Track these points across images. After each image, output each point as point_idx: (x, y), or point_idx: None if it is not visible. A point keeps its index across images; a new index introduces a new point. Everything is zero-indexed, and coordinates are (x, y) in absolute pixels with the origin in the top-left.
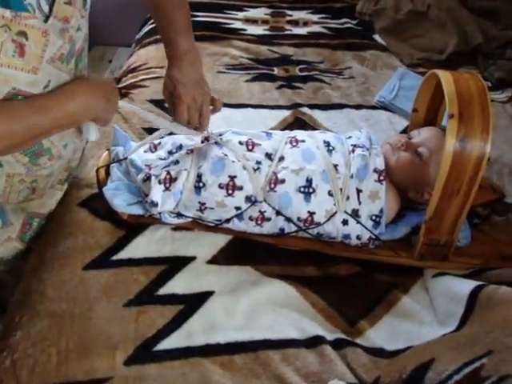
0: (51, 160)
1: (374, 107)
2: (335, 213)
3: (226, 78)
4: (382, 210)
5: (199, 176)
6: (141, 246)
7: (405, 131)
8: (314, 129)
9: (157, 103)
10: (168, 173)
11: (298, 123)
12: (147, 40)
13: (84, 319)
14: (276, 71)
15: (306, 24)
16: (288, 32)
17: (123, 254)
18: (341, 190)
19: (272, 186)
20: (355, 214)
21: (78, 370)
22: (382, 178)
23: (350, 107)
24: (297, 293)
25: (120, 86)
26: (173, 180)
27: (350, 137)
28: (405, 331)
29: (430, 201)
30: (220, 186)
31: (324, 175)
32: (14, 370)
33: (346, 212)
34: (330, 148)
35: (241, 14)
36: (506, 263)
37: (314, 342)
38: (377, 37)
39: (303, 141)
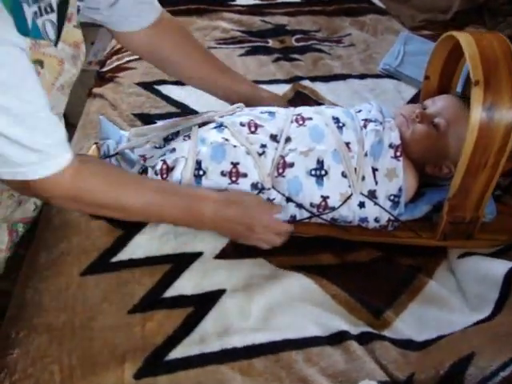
0: None
1: (378, 76)
2: (350, 195)
3: (218, 54)
4: (400, 189)
5: (198, 163)
6: (141, 245)
7: (413, 100)
8: (317, 103)
9: (146, 86)
10: (164, 162)
11: (300, 98)
12: None
13: (86, 330)
14: (271, 43)
15: None
16: (280, 0)
17: (123, 255)
18: (355, 170)
19: (280, 170)
20: (372, 195)
21: None
22: (398, 153)
23: (354, 77)
24: (315, 285)
25: (105, 69)
26: (170, 169)
27: (360, 110)
28: (434, 319)
29: (449, 175)
30: (222, 174)
31: (336, 155)
32: None
33: (362, 194)
34: (340, 124)
35: None
36: None
37: (337, 338)
38: None
39: (310, 118)
